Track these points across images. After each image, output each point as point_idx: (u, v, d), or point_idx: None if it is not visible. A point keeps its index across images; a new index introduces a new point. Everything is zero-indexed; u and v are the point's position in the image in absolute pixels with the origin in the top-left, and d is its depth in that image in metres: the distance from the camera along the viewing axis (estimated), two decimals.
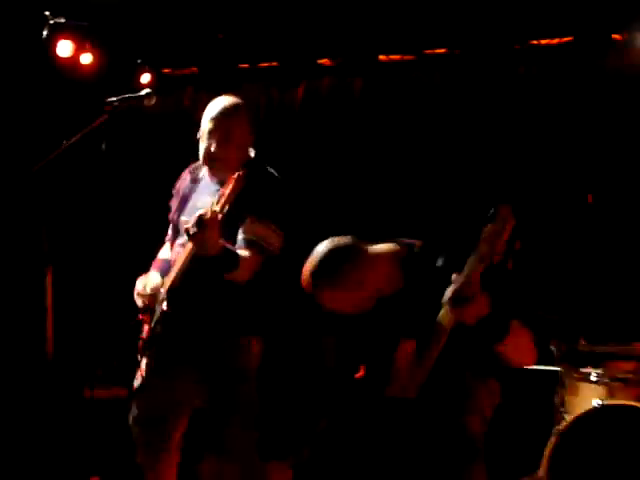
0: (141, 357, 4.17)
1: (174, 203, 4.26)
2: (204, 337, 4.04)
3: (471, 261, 3.11)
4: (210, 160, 4.05)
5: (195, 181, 4.24)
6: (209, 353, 4.03)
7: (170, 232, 4.30)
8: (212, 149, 4.01)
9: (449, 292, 3.16)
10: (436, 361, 3.37)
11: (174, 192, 4.29)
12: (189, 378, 4.08)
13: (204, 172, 4.21)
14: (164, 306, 4.01)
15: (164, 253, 4.31)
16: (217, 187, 4.01)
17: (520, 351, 3.38)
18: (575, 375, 4.60)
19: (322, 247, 3.33)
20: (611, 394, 4.36)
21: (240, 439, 4.03)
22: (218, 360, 4.03)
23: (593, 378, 4.50)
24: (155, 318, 4.09)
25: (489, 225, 3.06)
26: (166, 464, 4.27)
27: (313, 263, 3.31)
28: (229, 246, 3.82)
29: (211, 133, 4.03)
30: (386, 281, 3.35)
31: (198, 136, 4.08)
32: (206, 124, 4.07)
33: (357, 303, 3.35)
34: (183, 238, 3.96)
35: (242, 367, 4.07)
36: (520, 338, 3.35)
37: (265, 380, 4.18)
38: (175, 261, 4.07)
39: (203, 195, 4.11)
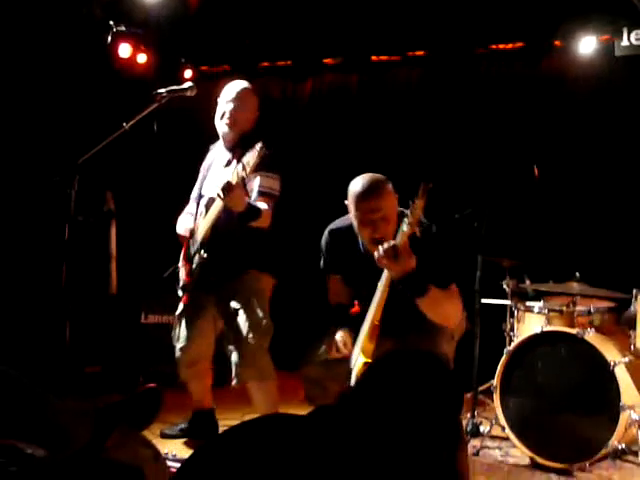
0: (183, 292, 4.27)
1: (198, 180, 4.29)
2: (230, 271, 4.05)
3: (401, 227, 3.18)
4: (226, 133, 4.09)
5: (211, 160, 4.26)
6: (232, 282, 4.05)
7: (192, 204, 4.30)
8: (227, 125, 4.06)
9: (381, 249, 3.22)
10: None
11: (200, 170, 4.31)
12: (215, 303, 4.13)
13: (217, 150, 4.22)
14: (202, 253, 4.05)
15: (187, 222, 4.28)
16: (229, 156, 4.07)
17: (438, 312, 3.38)
18: (522, 307, 4.66)
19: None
20: (549, 322, 4.41)
21: (256, 352, 3.98)
22: (238, 287, 4.05)
23: (536, 310, 4.56)
24: (194, 263, 4.14)
25: (415, 199, 3.09)
26: (200, 378, 4.32)
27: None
28: (251, 202, 3.87)
29: (226, 111, 4.07)
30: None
31: (217, 116, 4.10)
32: (222, 104, 4.10)
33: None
34: (202, 208, 4.05)
35: (257, 293, 4.07)
36: (441, 301, 3.37)
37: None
38: (200, 223, 4.09)
39: (217, 169, 4.14)
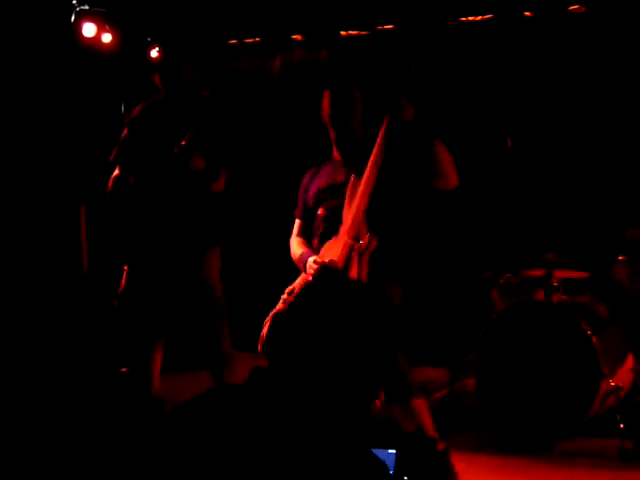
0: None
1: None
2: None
3: None
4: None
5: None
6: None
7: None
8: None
9: None
10: None
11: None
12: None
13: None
14: None
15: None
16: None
17: (444, 162, 3.58)
18: (500, 280, 4.69)
19: None
20: (527, 294, 4.44)
21: (211, 326, 4.03)
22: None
23: (513, 281, 4.60)
24: None
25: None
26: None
27: None
28: None
29: None
30: None
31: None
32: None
33: None
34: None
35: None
36: (444, 156, 3.59)
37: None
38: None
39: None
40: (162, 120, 4.05)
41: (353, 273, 3.53)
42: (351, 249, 3.56)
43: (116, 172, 4.16)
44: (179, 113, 4.02)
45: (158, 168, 3.98)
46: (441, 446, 2.40)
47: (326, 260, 3.65)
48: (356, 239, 3.56)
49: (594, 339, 4.01)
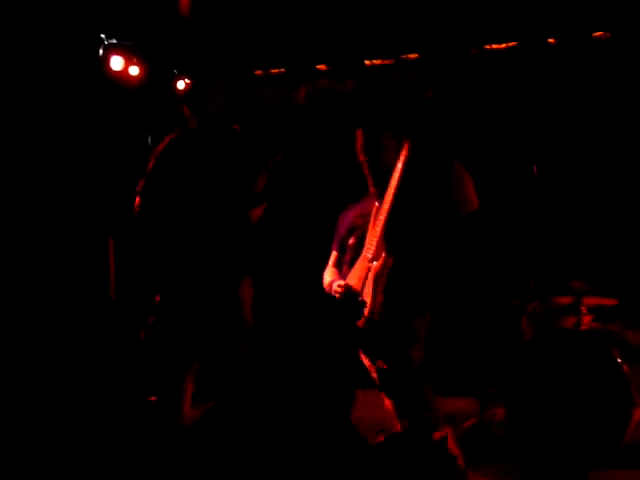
0: None
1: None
2: None
3: None
4: None
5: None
6: None
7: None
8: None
9: None
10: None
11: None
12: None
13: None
14: None
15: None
16: None
17: (462, 189, 3.58)
18: (529, 307, 4.66)
19: None
20: (556, 321, 4.41)
21: (243, 356, 4.03)
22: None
23: (543, 309, 4.56)
24: None
25: None
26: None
27: None
28: None
29: None
30: None
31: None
32: None
33: None
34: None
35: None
36: (462, 178, 3.61)
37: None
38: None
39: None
40: (192, 152, 4.08)
41: (368, 293, 3.58)
42: (368, 270, 3.62)
43: (137, 202, 4.20)
44: (208, 144, 4.06)
45: (192, 198, 4.01)
46: (437, 435, 2.40)
47: (349, 283, 3.71)
48: (373, 260, 3.62)
49: (625, 367, 3.97)
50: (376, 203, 3.75)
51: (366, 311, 3.57)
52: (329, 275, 4.01)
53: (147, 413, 4.41)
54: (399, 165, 3.62)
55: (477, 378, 4.55)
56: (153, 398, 4.45)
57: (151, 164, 4.19)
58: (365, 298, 3.60)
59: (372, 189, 3.91)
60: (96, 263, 5.86)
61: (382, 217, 3.63)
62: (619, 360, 3.97)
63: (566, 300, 4.47)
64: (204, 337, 4.06)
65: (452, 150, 3.71)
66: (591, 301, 4.43)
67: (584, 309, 4.36)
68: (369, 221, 3.77)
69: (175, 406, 4.10)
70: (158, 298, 4.12)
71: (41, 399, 4.69)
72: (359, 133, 3.92)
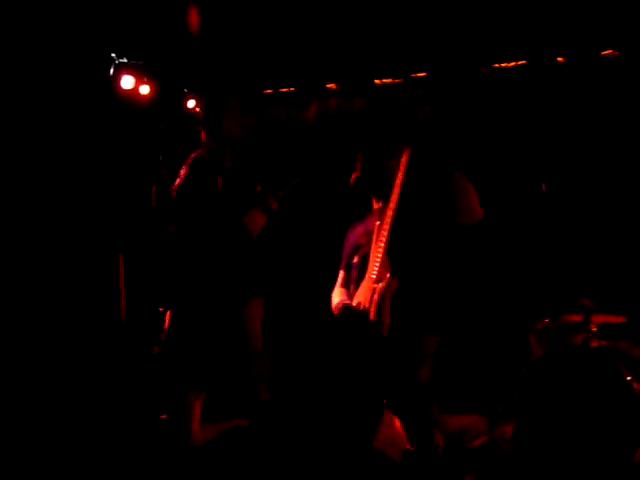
0: None
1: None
2: None
3: None
4: None
5: None
6: None
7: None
8: None
9: None
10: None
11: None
12: None
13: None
14: None
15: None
16: None
17: (464, 196, 3.58)
18: (537, 324, 4.64)
19: None
20: (565, 339, 4.39)
21: (250, 375, 4.07)
22: None
23: (552, 326, 4.54)
24: None
25: None
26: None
27: None
28: None
29: None
30: None
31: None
32: None
33: None
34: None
35: None
36: (465, 189, 3.61)
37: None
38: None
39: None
40: (207, 173, 4.11)
41: (374, 315, 3.56)
42: (373, 291, 3.59)
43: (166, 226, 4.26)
44: (222, 166, 4.08)
45: (204, 218, 4.03)
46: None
47: (354, 303, 3.69)
48: (378, 281, 3.59)
49: (635, 385, 3.94)
50: (377, 222, 3.74)
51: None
52: (337, 295, 4.00)
53: (158, 431, 4.41)
54: (397, 181, 3.63)
55: (486, 395, 4.53)
56: (164, 416, 4.45)
57: (178, 185, 4.23)
58: (372, 318, 3.59)
59: (375, 205, 3.92)
60: (106, 279, 5.88)
61: (383, 237, 3.61)
62: (629, 378, 3.95)
63: (575, 318, 4.45)
64: (211, 356, 4.07)
65: (452, 161, 3.71)
66: (600, 319, 4.42)
67: (593, 327, 4.34)
68: (372, 239, 3.76)
69: (184, 425, 4.10)
70: (169, 315, 4.14)
71: (52, 414, 4.70)
72: (359, 157, 3.95)
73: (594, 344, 4.22)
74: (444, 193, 3.61)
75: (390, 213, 3.61)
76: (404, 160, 3.66)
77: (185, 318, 4.10)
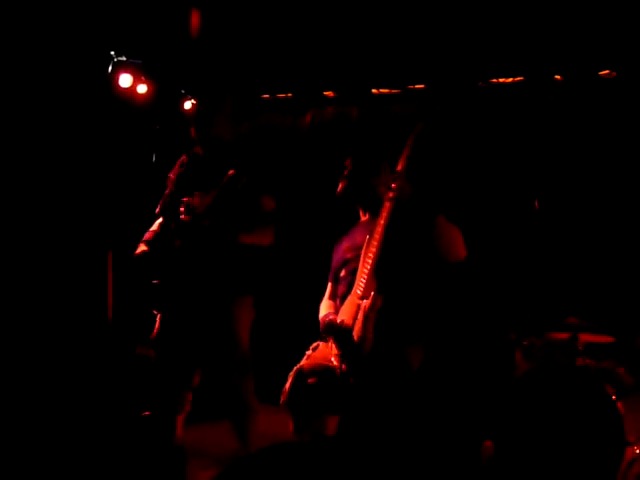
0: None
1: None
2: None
3: None
4: None
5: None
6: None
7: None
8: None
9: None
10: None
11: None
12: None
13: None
14: None
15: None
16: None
17: (447, 240, 3.58)
18: (522, 342, 4.64)
19: None
20: (550, 356, 4.39)
21: (234, 378, 4.02)
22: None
23: (536, 344, 4.54)
24: None
25: None
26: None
27: None
28: None
29: None
30: None
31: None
32: None
33: None
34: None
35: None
36: (447, 230, 3.61)
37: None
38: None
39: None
40: (196, 174, 4.10)
41: (358, 332, 3.53)
42: (358, 308, 3.58)
43: (155, 226, 4.23)
44: (213, 168, 4.06)
45: (193, 224, 4.01)
46: None
47: (339, 320, 3.68)
48: (363, 298, 3.58)
49: (619, 405, 3.95)
50: (366, 238, 3.72)
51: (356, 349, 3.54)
52: (324, 308, 4.00)
53: (141, 429, 4.40)
54: (387, 203, 3.62)
55: (470, 412, 4.53)
56: (147, 413, 4.44)
57: (168, 190, 4.23)
58: (355, 335, 3.57)
59: (362, 217, 3.93)
60: (95, 277, 5.87)
61: (371, 254, 3.60)
62: (613, 398, 3.96)
63: (562, 336, 4.46)
64: (196, 355, 4.06)
65: (436, 202, 3.70)
66: (587, 338, 4.43)
67: (579, 345, 4.35)
68: (360, 254, 3.75)
69: (168, 423, 4.09)
70: (159, 315, 4.13)
71: (37, 412, 4.68)
72: (348, 161, 3.95)
73: (580, 362, 4.23)
74: (427, 236, 3.62)
75: (379, 230, 3.59)
76: (396, 182, 3.66)
77: (175, 320, 4.08)
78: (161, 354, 4.11)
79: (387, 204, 3.63)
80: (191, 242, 3.99)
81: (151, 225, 4.29)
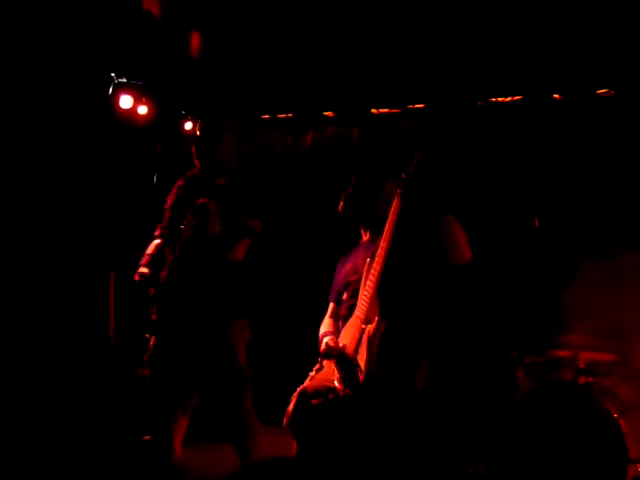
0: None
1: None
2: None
3: None
4: None
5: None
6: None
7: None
8: None
9: None
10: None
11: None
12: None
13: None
14: None
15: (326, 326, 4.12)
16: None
17: (454, 241, 3.58)
18: (524, 359, 4.65)
19: None
20: (552, 374, 4.40)
21: (232, 398, 4.03)
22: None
23: (539, 361, 4.55)
24: None
25: None
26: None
27: None
28: None
29: None
30: None
31: None
32: None
33: None
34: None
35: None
36: (454, 230, 3.62)
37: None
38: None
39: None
40: (194, 198, 4.12)
41: (362, 356, 3.53)
42: (362, 332, 3.57)
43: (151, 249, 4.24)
44: (214, 190, 4.08)
45: (190, 246, 4.03)
46: None
47: (340, 343, 3.68)
48: (367, 322, 3.57)
49: (621, 423, 3.95)
50: (368, 260, 3.72)
51: (361, 376, 3.52)
52: (325, 327, 4.00)
53: (141, 452, 4.40)
54: (390, 222, 3.62)
55: (472, 428, 4.53)
56: (148, 437, 4.44)
57: (167, 214, 4.25)
58: (360, 360, 3.56)
59: (364, 236, 3.94)
60: (97, 298, 5.88)
61: (373, 277, 3.59)
62: (615, 415, 3.96)
63: (564, 353, 4.47)
64: (194, 378, 4.06)
65: (443, 203, 3.72)
66: (589, 355, 4.43)
67: (581, 363, 4.35)
68: (361, 277, 3.76)
69: (166, 446, 4.09)
70: (153, 337, 4.14)
71: (39, 431, 4.69)
72: (354, 179, 3.98)
73: (582, 380, 4.24)
74: (434, 234, 3.62)
75: (382, 253, 3.59)
76: (396, 204, 3.66)
77: (167, 341, 4.09)
78: (155, 375, 4.11)
79: (396, 201, 3.63)
80: (182, 267, 4.02)
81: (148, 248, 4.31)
